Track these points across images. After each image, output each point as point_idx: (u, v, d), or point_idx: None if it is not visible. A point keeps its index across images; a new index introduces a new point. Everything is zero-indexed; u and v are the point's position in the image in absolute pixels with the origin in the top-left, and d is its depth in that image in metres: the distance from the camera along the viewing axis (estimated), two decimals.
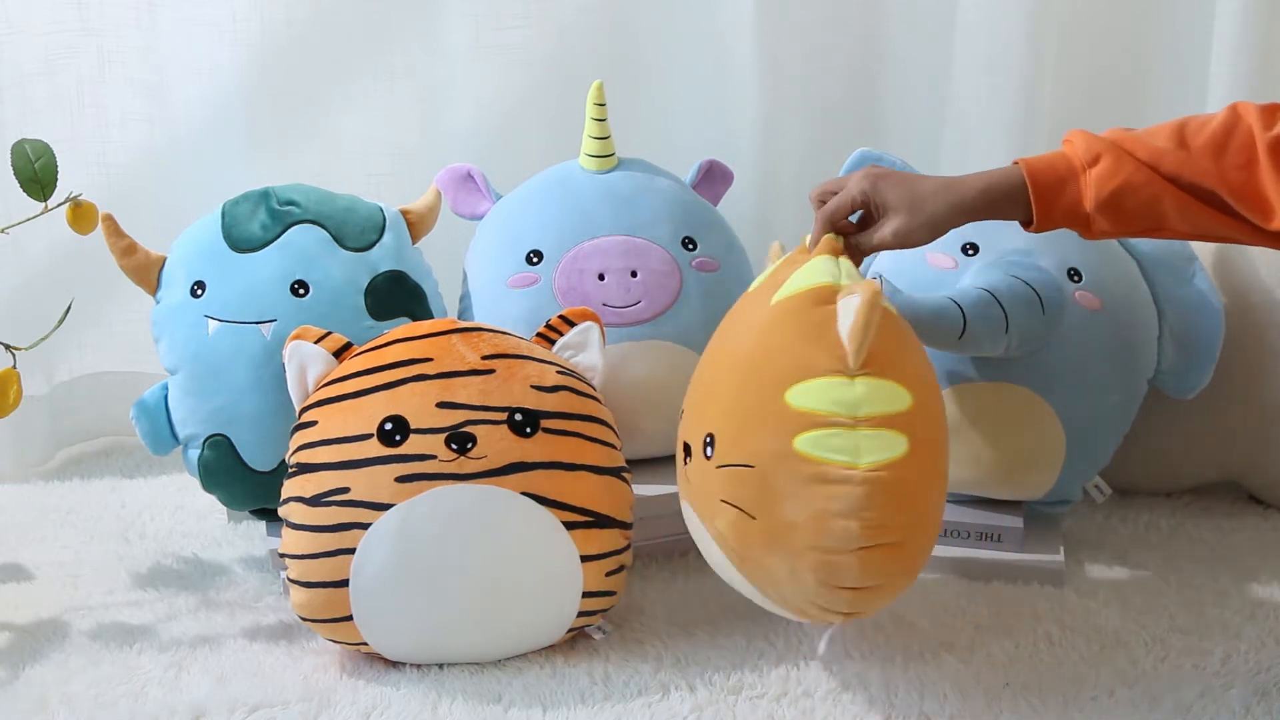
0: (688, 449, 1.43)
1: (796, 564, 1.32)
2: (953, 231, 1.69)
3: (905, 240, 1.42)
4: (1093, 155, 1.39)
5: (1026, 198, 1.40)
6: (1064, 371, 1.66)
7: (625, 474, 1.55)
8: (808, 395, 1.31)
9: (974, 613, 1.62)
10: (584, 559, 1.48)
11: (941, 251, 1.69)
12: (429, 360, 1.50)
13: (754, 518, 1.33)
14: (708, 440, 1.37)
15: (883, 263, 1.73)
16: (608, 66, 1.94)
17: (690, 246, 1.77)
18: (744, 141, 2.02)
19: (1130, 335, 1.70)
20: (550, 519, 1.46)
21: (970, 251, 1.69)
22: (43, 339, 1.62)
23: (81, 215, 1.64)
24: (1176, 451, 1.87)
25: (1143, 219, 1.39)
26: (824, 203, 1.47)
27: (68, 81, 1.96)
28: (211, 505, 1.83)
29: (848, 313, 1.31)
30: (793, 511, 1.31)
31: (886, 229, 1.42)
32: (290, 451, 1.52)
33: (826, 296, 1.35)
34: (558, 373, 1.53)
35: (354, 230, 1.71)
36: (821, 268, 1.38)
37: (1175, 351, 1.74)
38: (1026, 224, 1.42)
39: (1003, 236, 1.69)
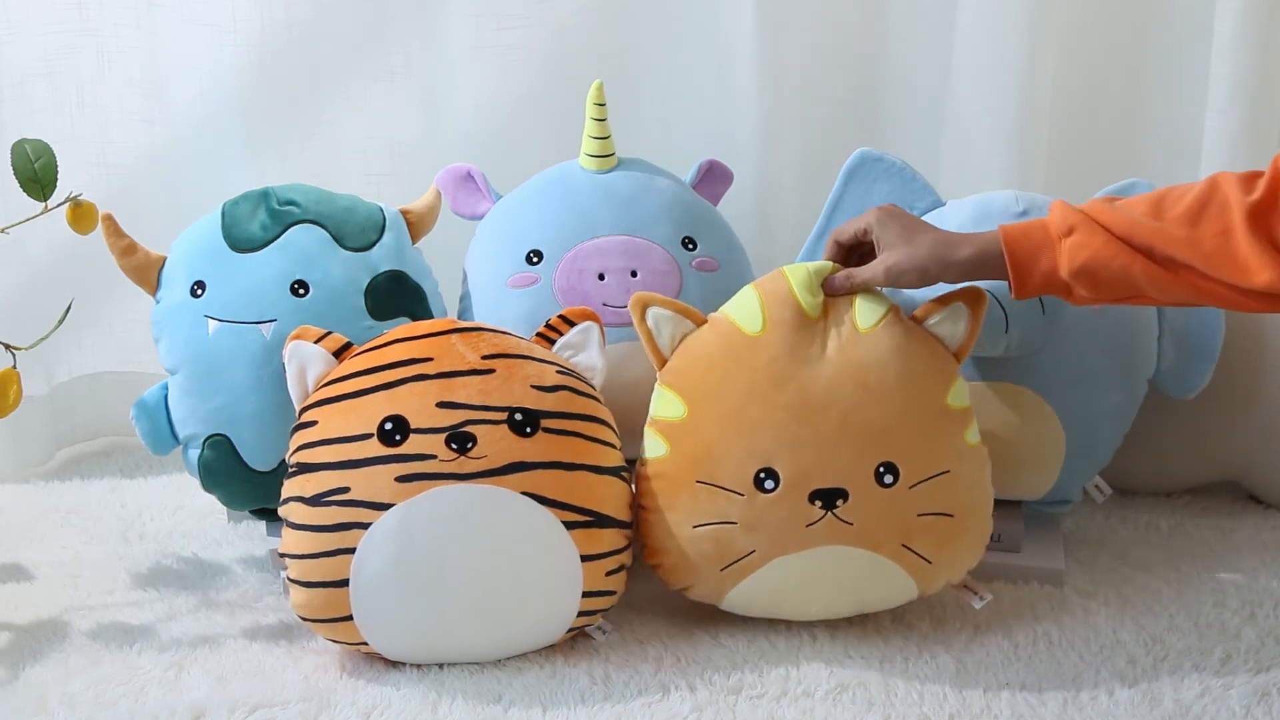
0: (824, 496, 1.49)
1: (982, 530, 1.56)
2: (954, 230, 1.70)
3: (896, 280, 1.50)
4: (1067, 226, 1.45)
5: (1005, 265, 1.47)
6: (1064, 371, 1.66)
7: (625, 474, 1.55)
8: (957, 395, 1.53)
9: (973, 613, 1.62)
10: (584, 559, 1.48)
11: None
12: (429, 360, 1.50)
13: (952, 515, 1.51)
14: (882, 469, 1.48)
15: None
16: (608, 66, 1.94)
17: (690, 246, 1.77)
18: (744, 141, 2.02)
19: (1130, 335, 1.70)
20: (550, 519, 1.47)
21: None
22: (43, 339, 1.62)
23: (81, 215, 1.64)
24: (1176, 451, 1.87)
25: (1117, 288, 1.45)
26: (839, 241, 1.57)
27: (68, 81, 1.96)
28: (211, 505, 1.83)
29: (957, 318, 1.53)
30: (978, 496, 1.54)
31: (879, 265, 1.51)
32: (290, 451, 1.52)
33: (917, 315, 1.54)
34: (558, 372, 1.53)
35: (354, 230, 1.71)
36: (874, 297, 1.53)
37: (1175, 351, 1.74)
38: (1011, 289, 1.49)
39: None
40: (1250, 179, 1.40)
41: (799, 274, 1.53)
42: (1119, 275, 1.43)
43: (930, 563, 1.52)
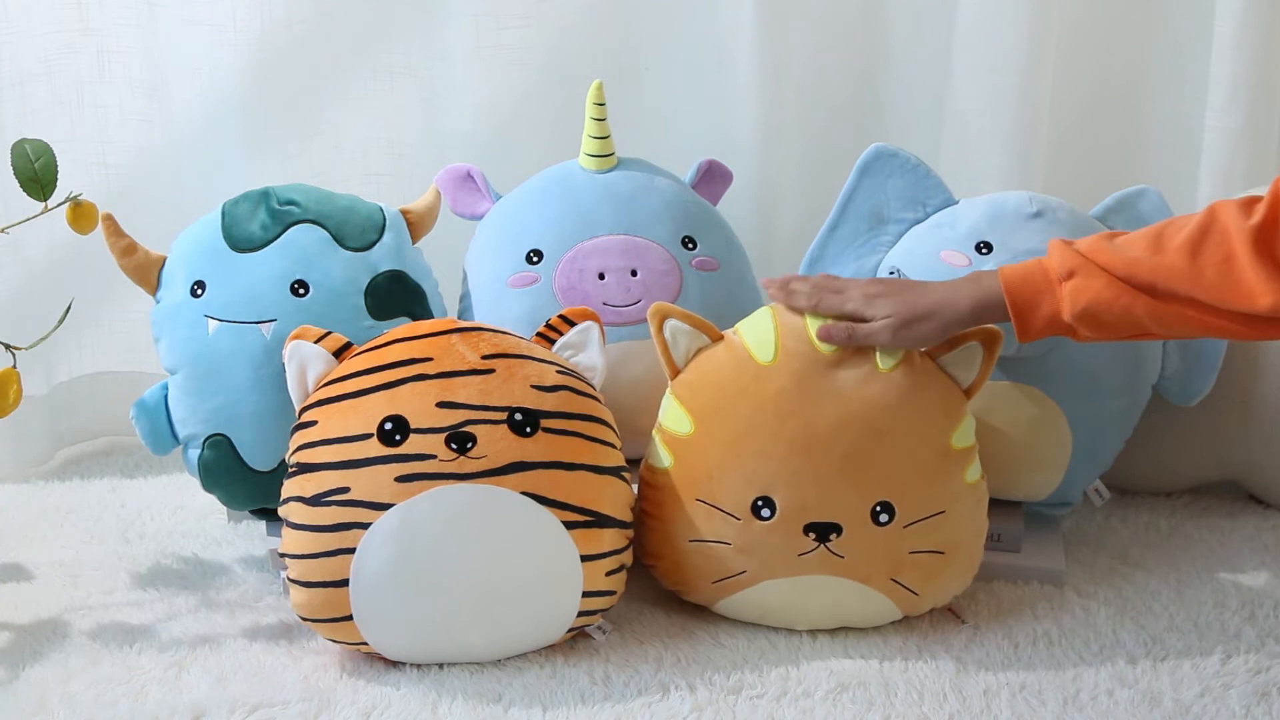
0: (818, 530, 1.50)
1: (971, 562, 1.58)
2: (967, 229, 1.70)
3: (902, 342, 1.50)
4: (1067, 270, 1.44)
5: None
6: (1074, 373, 1.67)
7: (625, 474, 1.55)
8: (962, 435, 1.54)
9: (973, 613, 1.62)
10: (584, 559, 1.48)
11: (955, 249, 1.69)
12: (429, 360, 1.50)
13: (943, 553, 1.53)
14: (878, 509, 1.50)
15: (897, 258, 1.73)
16: (608, 66, 1.94)
17: (690, 246, 1.77)
18: (744, 141, 2.02)
19: (1137, 341, 1.70)
20: (550, 519, 1.46)
21: (984, 250, 1.68)
22: (43, 339, 1.62)
23: (81, 215, 1.64)
24: (1176, 452, 1.87)
25: (1121, 328, 1.45)
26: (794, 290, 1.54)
27: (67, 81, 1.96)
28: (211, 505, 1.83)
29: (972, 358, 1.54)
30: (971, 531, 1.56)
31: (885, 328, 1.49)
32: (290, 451, 1.52)
33: (932, 353, 1.55)
34: (558, 372, 1.53)
35: (354, 230, 1.71)
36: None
37: (1180, 359, 1.74)
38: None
39: (1017, 235, 1.68)
40: (1249, 204, 1.39)
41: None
42: (1122, 316, 1.43)
43: (917, 594, 1.55)
